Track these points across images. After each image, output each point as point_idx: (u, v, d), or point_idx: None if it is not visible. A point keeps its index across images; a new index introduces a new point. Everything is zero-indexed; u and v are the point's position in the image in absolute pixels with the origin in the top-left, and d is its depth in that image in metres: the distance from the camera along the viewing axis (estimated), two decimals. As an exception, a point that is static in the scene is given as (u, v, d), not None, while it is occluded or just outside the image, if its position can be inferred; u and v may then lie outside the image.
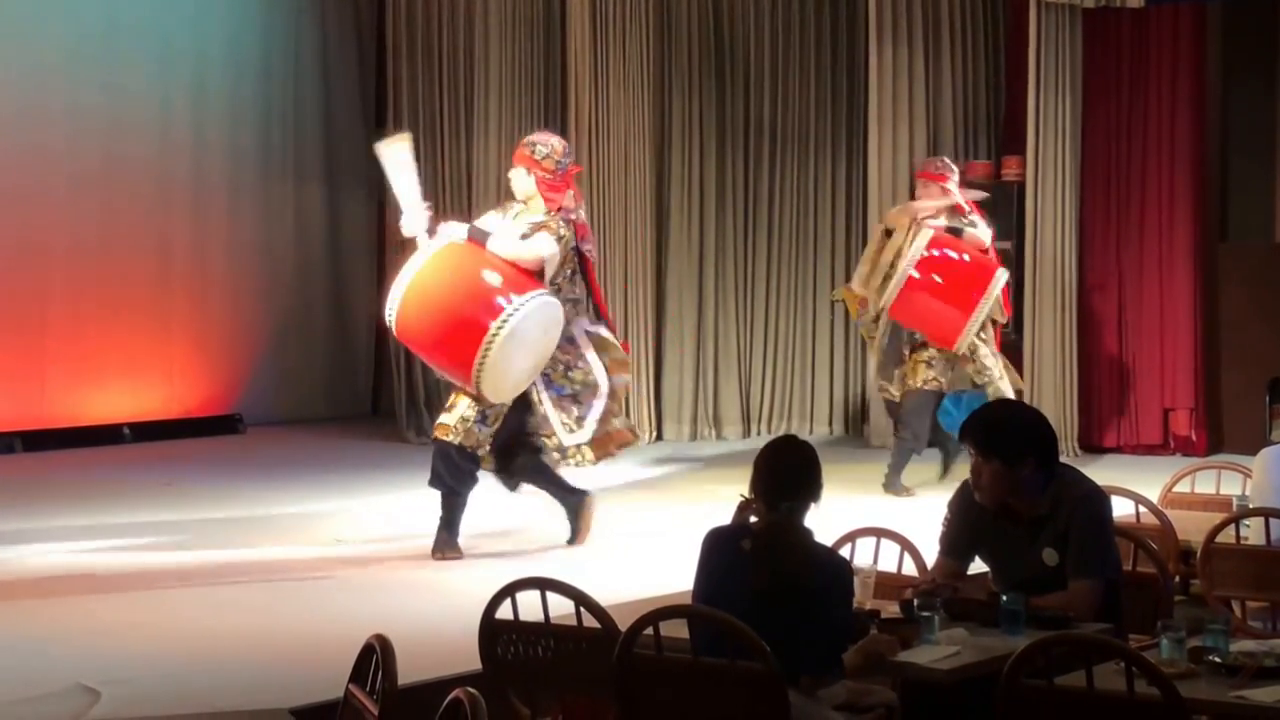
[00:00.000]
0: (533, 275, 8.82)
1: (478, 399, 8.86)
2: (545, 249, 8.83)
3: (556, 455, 9.07)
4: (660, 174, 14.06)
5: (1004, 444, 5.51)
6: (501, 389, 8.82)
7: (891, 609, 5.38)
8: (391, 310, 8.82)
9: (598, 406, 9.07)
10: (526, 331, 8.68)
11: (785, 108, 14.38)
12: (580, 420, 9.05)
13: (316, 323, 15.33)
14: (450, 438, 8.92)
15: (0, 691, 6.43)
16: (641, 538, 9.77)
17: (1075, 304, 13.10)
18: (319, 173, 15.16)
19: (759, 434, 14.22)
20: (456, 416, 8.92)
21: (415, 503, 9.87)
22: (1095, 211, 13.34)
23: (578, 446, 9.04)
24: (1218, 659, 4.76)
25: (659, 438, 13.99)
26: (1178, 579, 6.91)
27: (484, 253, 8.81)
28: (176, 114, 14.12)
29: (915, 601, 5.23)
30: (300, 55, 15.07)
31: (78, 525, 9.94)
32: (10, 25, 13.02)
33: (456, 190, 14.13)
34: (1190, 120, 13.10)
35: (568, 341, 9.01)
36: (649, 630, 4.88)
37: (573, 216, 8.99)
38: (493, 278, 8.74)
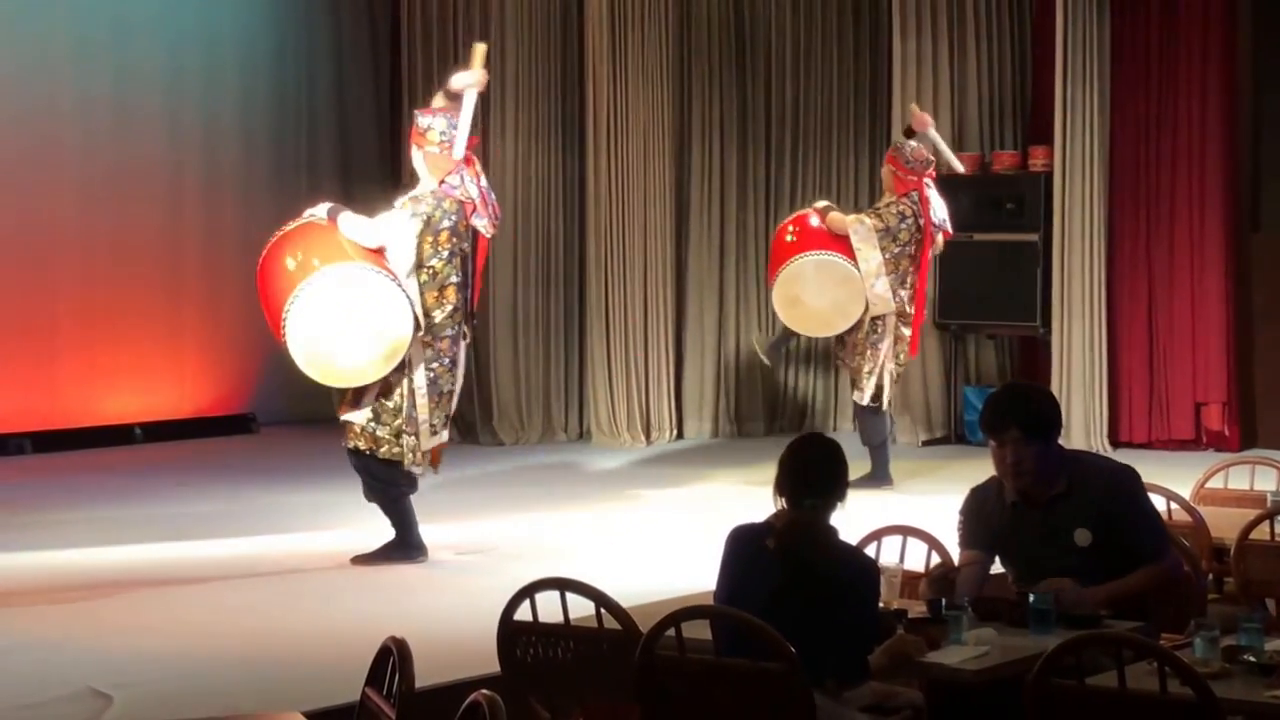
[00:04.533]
0: (379, 254, 8.51)
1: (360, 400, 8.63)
2: (386, 230, 8.50)
3: (409, 455, 8.68)
4: (680, 169, 13.97)
5: (1048, 423, 5.54)
6: (331, 371, 8.51)
7: (918, 609, 5.32)
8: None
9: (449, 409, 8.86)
10: (326, 307, 8.34)
11: (807, 100, 14.28)
12: (445, 422, 8.79)
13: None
14: (356, 444, 8.69)
15: (11, 695, 6.42)
16: (662, 537, 9.70)
17: (1104, 297, 12.99)
18: (333, 168, 15.05)
19: (781, 432, 14.11)
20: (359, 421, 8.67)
21: (432, 502, 9.78)
22: (1124, 202, 13.22)
23: (424, 453, 8.76)
24: (1252, 658, 4.71)
25: (679, 436, 13.90)
26: (1211, 576, 6.83)
27: (331, 232, 8.53)
28: (188, 109, 14.04)
29: (942, 601, 5.17)
30: (314, 48, 14.98)
31: (89, 527, 9.88)
32: (17, 21, 12.95)
33: (474, 189, 14.04)
34: (1221, 109, 12.98)
35: (450, 338, 8.69)
36: (671, 631, 4.84)
37: (456, 192, 8.62)
38: (310, 256, 8.45)
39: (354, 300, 8.42)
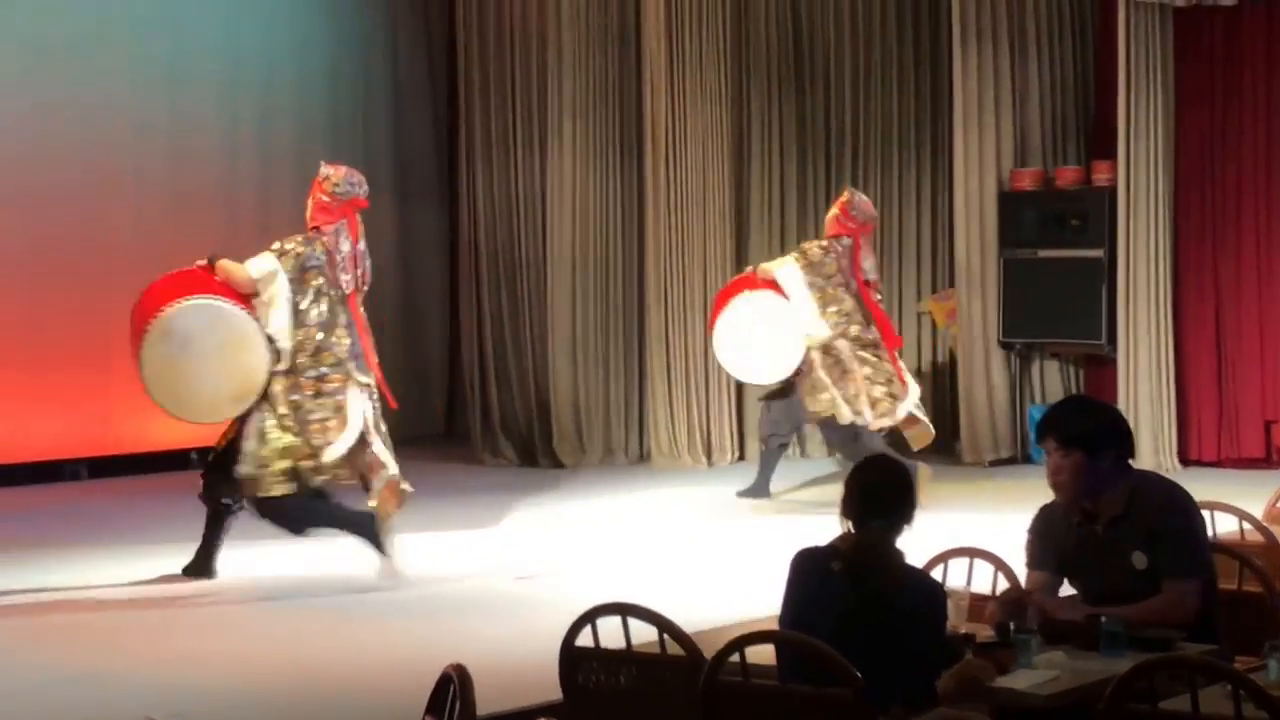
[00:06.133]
0: (246, 300, 8.87)
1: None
2: (252, 268, 8.88)
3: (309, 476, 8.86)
4: (739, 183, 13.88)
5: (1086, 435, 5.47)
6: (179, 398, 8.75)
7: (986, 633, 5.25)
8: None
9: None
10: (185, 337, 8.68)
11: (868, 113, 14.17)
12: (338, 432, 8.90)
13: (387, 340, 15.09)
14: (254, 493, 8.83)
15: (68, 724, 6.42)
16: (725, 560, 9.62)
17: (1171, 313, 12.84)
18: (390, 186, 15.05)
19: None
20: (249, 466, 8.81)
21: (492, 526, 9.76)
22: (1190, 217, 13.06)
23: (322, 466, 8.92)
24: (1329, 680, 4.61)
25: (741, 458, 13.80)
26: (1284, 598, 6.67)
27: (205, 275, 8.95)
28: (244, 128, 14.05)
29: (1011, 624, 5.10)
30: (370, 66, 14.99)
31: (144, 553, 9.84)
32: (75, 49, 12.97)
33: (530, 206, 14.01)
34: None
35: (314, 380, 8.85)
36: (735, 656, 4.79)
37: (325, 239, 8.94)
38: (181, 291, 8.82)
39: (212, 329, 8.76)
